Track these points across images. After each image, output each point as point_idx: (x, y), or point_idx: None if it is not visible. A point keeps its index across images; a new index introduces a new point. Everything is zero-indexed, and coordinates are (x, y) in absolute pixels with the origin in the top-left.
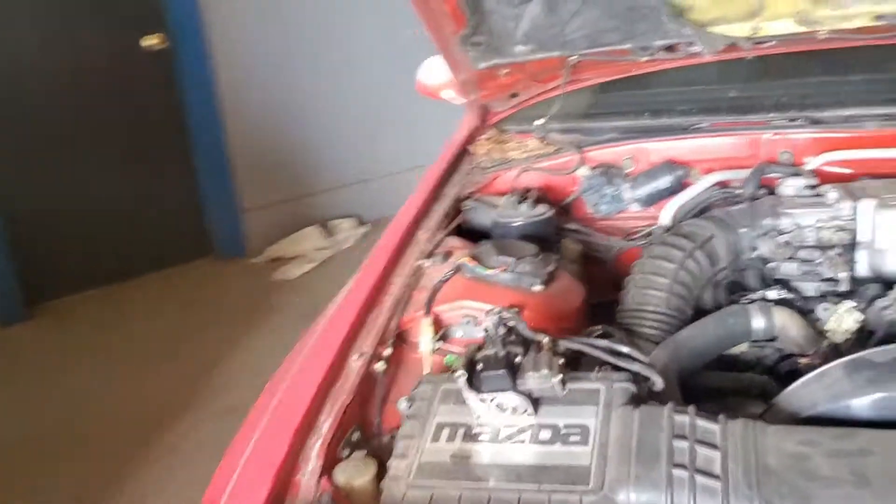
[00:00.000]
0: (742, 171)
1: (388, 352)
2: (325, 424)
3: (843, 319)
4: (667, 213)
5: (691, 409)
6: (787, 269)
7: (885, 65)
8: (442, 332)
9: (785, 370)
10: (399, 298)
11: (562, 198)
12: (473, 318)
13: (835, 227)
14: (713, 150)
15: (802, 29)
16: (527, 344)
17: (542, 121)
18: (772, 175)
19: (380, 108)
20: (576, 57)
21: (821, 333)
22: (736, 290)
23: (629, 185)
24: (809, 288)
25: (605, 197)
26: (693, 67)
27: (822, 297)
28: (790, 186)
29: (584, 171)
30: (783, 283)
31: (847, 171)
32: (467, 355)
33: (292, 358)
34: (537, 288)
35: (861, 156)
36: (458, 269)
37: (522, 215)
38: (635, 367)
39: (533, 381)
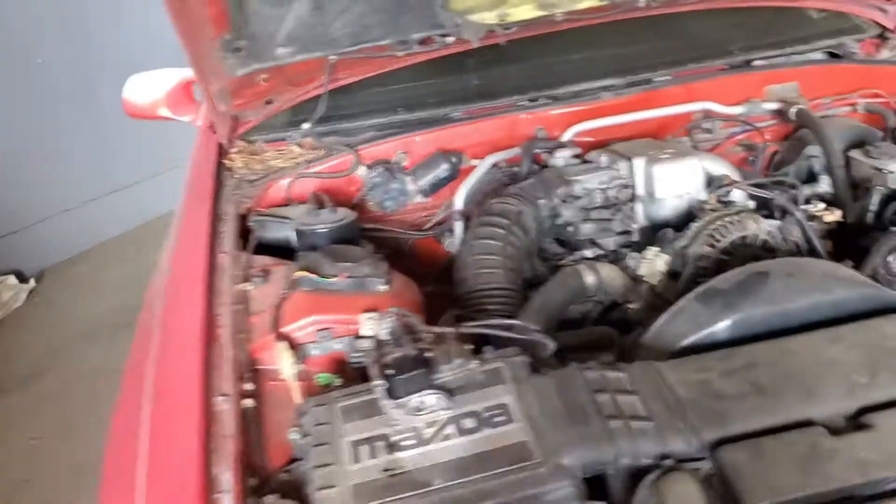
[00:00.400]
0: (510, 151)
1: (249, 386)
2: (225, 478)
3: (653, 264)
4: (459, 199)
5: (595, 363)
6: (586, 229)
7: (608, 41)
8: (298, 352)
9: (614, 319)
10: (236, 328)
11: (343, 200)
12: (328, 332)
13: (618, 186)
14: (477, 135)
15: (542, 13)
16: (417, 340)
17: (307, 125)
18: (538, 151)
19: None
20: (335, 56)
21: (637, 280)
22: (545, 258)
23: (411, 178)
24: (609, 243)
25: (390, 192)
26: (434, 61)
27: (622, 248)
28: (560, 158)
29: (362, 171)
30: (586, 243)
31: (592, 139)
32: (373, 363)
33: (129, 412)
34: (383, 288)
35: (602, 123)
36: (295, 284)
37: (326, 221)
38: (534, 337)
39: (449, 373)
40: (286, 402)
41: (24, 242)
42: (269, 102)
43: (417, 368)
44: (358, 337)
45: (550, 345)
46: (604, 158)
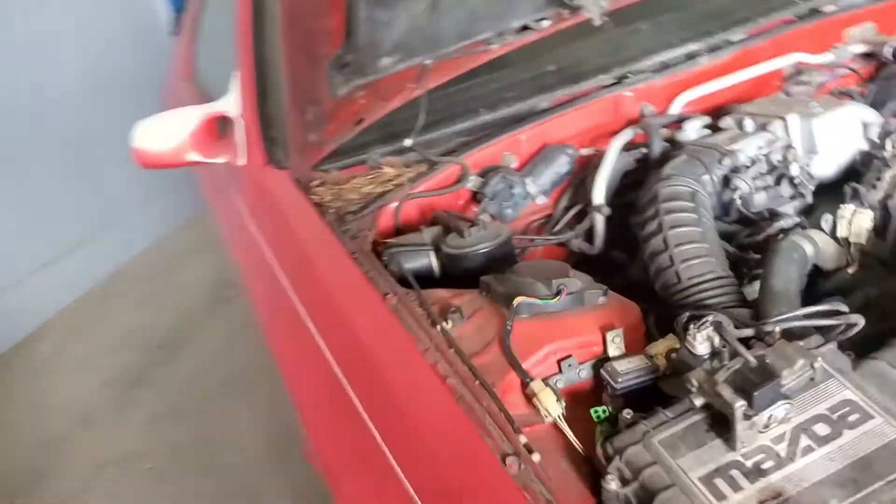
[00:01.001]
0: (625, 133)
1: (523, 440)
2: None
3: (857, 222)
4: (598, 193)
5: None
6: (760, 199)
7: (669, 6)
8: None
9: (830, 288)
10: (466, 375)
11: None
12: (571, 360)
13: (780, 148)
14: (581, 122)
15: None
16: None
17: (409, 141)
18: (647, 129)
19: None
20: (431, 60)
21: (842, 242)
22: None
23: (531, 180)
24: (789, 210)
25: (511, 199)
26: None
27: (801, 214)
28: (690, 130)
29: (474, 181)
30: (766, 214)
31: (694, 108)
32: (704, 384)
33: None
34: (602, 300)
35: (706, 90)
36: (515, 312)
37: (484, 240)
38: (850, 319)
39: (792, 378)
40: (560, 449)
41: None
42: (358, 123)
43: (766, 379)
44: (605, 359)
45: (860, 323)
46: (748, 123)
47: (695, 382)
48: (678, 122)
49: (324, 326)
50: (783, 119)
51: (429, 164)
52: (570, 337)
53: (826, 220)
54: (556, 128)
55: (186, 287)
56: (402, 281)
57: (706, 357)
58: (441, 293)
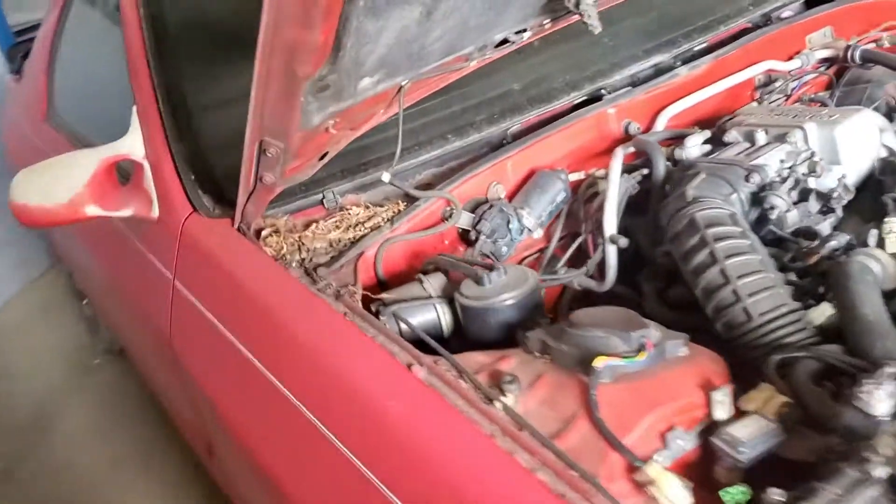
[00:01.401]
0: (621, 150)
1: None
2: None
3: None
4: (609, 222)
5: None
6: (793, 217)
7: (625, 16)
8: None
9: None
10: (555, 468)
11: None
12: (678, 430)
13: (805, 161)
14: (567, 143)
15: None
16: None
17: (387, 175)
18: (647, 148)
19: None
20: (408, 81)
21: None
22: None
23: (527, 211)
24: (825, 227)
25: (507, 235)
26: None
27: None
28: (692, 147)
29: (465, 218)
30: (800, 233)
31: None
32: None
33: None
34: (683, 350)
35: (688, 104)
36: (598, 377)
37: (511, 287)
38: None
39: None
40: None
41: None
42: (322, 157)
43: None
44: (714, 424)
45: None
46: (761, 135)
47: (886, 451)
48: (675, 138)
49: (333, 414)
50: (802, 129)
51: (408, 200)
52: (670, 402)
53: (872, 236)
54: (542, 152)
55: (43, 357)
56: (415, 345)
57: (887, 418)
58: (477, 357)
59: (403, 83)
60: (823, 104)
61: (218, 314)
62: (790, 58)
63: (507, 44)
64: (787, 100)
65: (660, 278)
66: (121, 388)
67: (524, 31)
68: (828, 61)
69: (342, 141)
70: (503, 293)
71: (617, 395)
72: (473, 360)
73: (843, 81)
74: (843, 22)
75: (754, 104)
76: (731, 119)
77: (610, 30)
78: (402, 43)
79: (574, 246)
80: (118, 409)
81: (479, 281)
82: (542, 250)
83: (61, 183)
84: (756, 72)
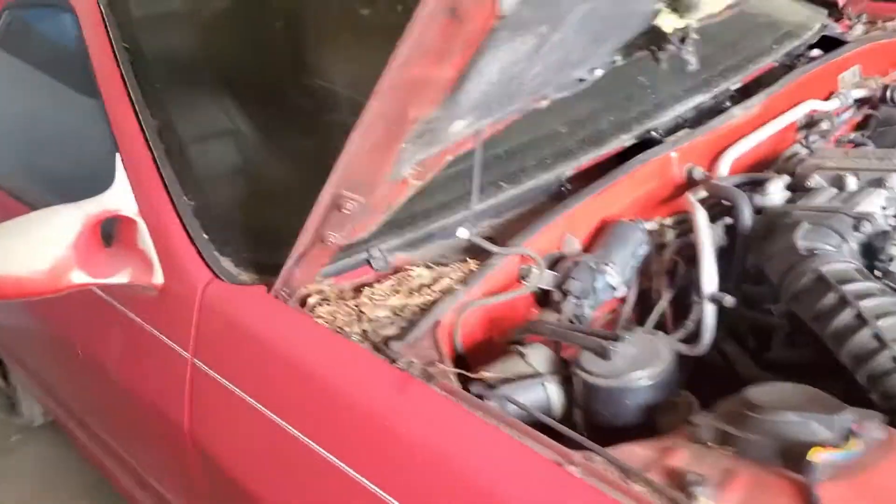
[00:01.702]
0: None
1: None
2: None
3: None
4: (708, 280)
5: None
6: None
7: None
8: None
9: None
10: None
11: (511, 325)
12: None
13: None
14: (632, 190)
15: (684, 23)
16: None
17: (464, 231)
18: (731, 196)
19: None
20: (487, 122)
21: None
22: None
23: (611, 268)
24: None
25: (593, 294)
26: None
27: None
28: (775, 194)
29: (546, 277)
30: None
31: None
32: None
33: None
34: (881, 432)
35: (749, 145)
36: (815, 476)
37: (646, 363)
38: None
39: None
40: None
41: None
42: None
43: None
44: None
45: None
46: (851, 180)
47: None
48: (747, 183)
49: None
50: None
51: (477, 257)
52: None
53: None
54: (609, 200)
55: None
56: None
57: None
58: (636, 450)
59: (483, 125)
60: (863, 144)
61: (264, 400)
62: (827, 97)
63: (583, 81)
64: (826, 141)
65: (751, 338)
66: (51, 463)
67: (598, 68)
68: (861, 101)
69: (411, 193)
70: (636, 369)
71: (839, 495)
72: (632, 453)
73: (879, 121)
74: (868, 60)
75: (797, 146)
76: (803, 162)
77: (651, 72)
78: (504, 80)
79: (664, 303)
80: (48, 484)
81: (603, 354)
82: (613, 310)
83: (42, 248)
84: (801, 112)
